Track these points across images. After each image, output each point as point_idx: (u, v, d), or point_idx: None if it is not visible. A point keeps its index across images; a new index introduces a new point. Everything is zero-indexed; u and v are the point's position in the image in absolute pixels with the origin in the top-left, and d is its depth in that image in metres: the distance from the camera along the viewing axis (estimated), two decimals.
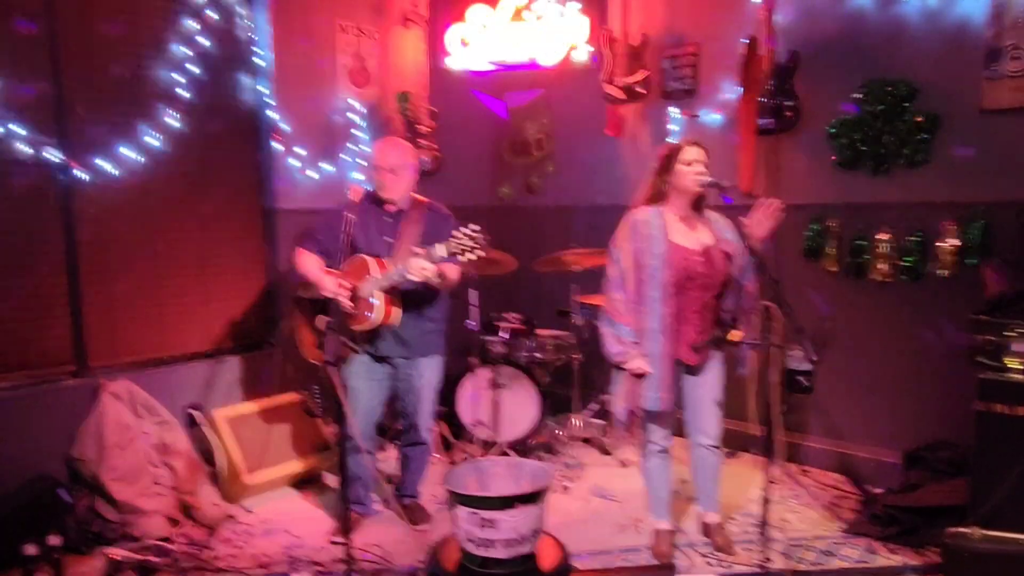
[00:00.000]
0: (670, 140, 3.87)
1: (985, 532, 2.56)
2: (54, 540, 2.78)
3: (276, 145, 4.01)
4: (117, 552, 2.97)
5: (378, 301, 2.94)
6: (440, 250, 2.75)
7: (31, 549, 2.70)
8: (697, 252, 2.80)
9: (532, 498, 2.09)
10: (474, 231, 2.68)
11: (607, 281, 2.87)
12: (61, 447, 3.23)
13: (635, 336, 2.78)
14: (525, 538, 2.09)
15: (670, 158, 2.81)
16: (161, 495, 3.30)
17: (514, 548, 2.08)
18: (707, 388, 2.93)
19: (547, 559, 2.20)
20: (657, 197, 2.85)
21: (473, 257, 2.71)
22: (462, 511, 2.09)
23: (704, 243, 2.83)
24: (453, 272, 3.04)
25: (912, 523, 3.09)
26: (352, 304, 2.97)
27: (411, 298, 3.07)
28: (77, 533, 3.06)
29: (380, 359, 3.18)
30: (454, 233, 2.71)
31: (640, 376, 2.78)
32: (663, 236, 2.77)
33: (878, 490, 3.58)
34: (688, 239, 2.82)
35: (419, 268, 2.78)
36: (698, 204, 2.88)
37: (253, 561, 3.02)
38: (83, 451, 3.20)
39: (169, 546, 3.08)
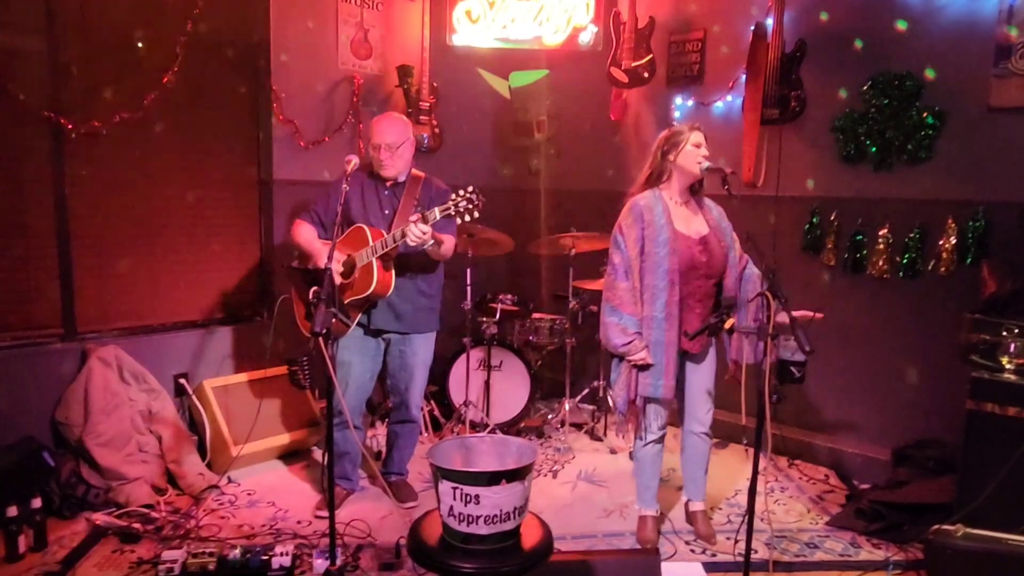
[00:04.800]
0: (675, 124, 3.83)
1: (968, 530, 2.55)
2: (37, 503, 2.78)
3: (274, 115, 3.96)
4: (100, 517, 2.97)
5: (372, 268, 2.92)
6: (437, 212, 2.76)
7: (13, 511, 2.69)
8: (696, 241, 2.77)
9: (516, 475, 2.07)
10: (471, 192, 2.72)
11: (611, 269, 2.81)
12: (46, 410, 3.22)
13: (639, 326, 2.74)
14: (508, 515, 2.08)
15: (677, 138, 2.77)
16: (146, 462, 3.29)
17: (496, 525, 2.06)
18: (704, 375, 2.92)
19: (530, 538, 2.18)
20: (657, 179, 2.82)
21: (468, 218, 2.75)
22: (445, 485, 2.07)
23: (702, 232, 2.81)
24: (449, 240, 3.03)
25: (897, 519, 3.09)
26: (343, 275, 2.95)
27: (406, 268, 3.05)
28: (60, 497, 3.05)
29: (374, 333, 3.16)
30: (452, 195, 2.76)
31: (644, 368, 2.75)
32: (666, 222, 2.74)
33: (865, 485, 3.58)
34: (688, 227, 2.79)
35: (418, 232, 2.76)
36: (696, 189, 2.86)
37: (236, 532, 3.01)
38: (68, 415, 3.19)
39: (153, 513, 3.07)
